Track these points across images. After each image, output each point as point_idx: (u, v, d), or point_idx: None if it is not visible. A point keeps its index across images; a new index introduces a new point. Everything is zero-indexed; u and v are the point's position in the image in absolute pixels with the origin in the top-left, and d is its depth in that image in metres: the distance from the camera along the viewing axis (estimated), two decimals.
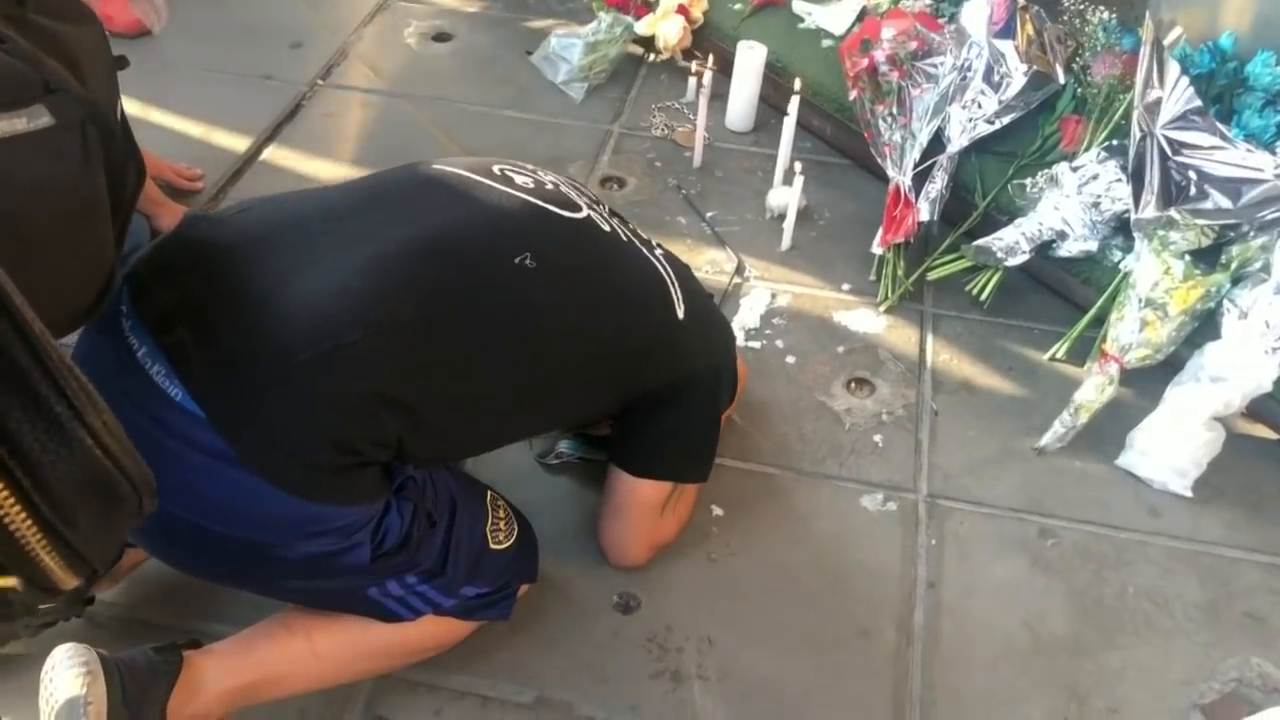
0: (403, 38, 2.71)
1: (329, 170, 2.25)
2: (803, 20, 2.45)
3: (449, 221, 1.20)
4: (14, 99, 0.76)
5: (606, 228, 1.32)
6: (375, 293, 1.10)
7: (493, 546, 1.29)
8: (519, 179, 1.30)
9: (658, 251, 1.41)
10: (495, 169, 1.30)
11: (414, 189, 1.26)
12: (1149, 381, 1.80)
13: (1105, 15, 2.02)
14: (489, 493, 1.36)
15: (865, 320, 1.99)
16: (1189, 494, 1.71)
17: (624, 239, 1.35)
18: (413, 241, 1.16)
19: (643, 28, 2.53)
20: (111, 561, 0.69)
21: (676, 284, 1.36)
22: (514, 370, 1.20)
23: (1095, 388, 1.76)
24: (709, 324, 1.45)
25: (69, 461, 0.60)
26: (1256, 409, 1.77)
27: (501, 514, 1.34)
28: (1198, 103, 1.72)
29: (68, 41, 0.85)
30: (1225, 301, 1.74)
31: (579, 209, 1.31)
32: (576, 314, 1.25)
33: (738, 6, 2.54)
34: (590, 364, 1.28)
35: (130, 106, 0.94)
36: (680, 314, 1.34)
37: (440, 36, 2.72)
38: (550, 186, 1.32)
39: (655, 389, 1.36)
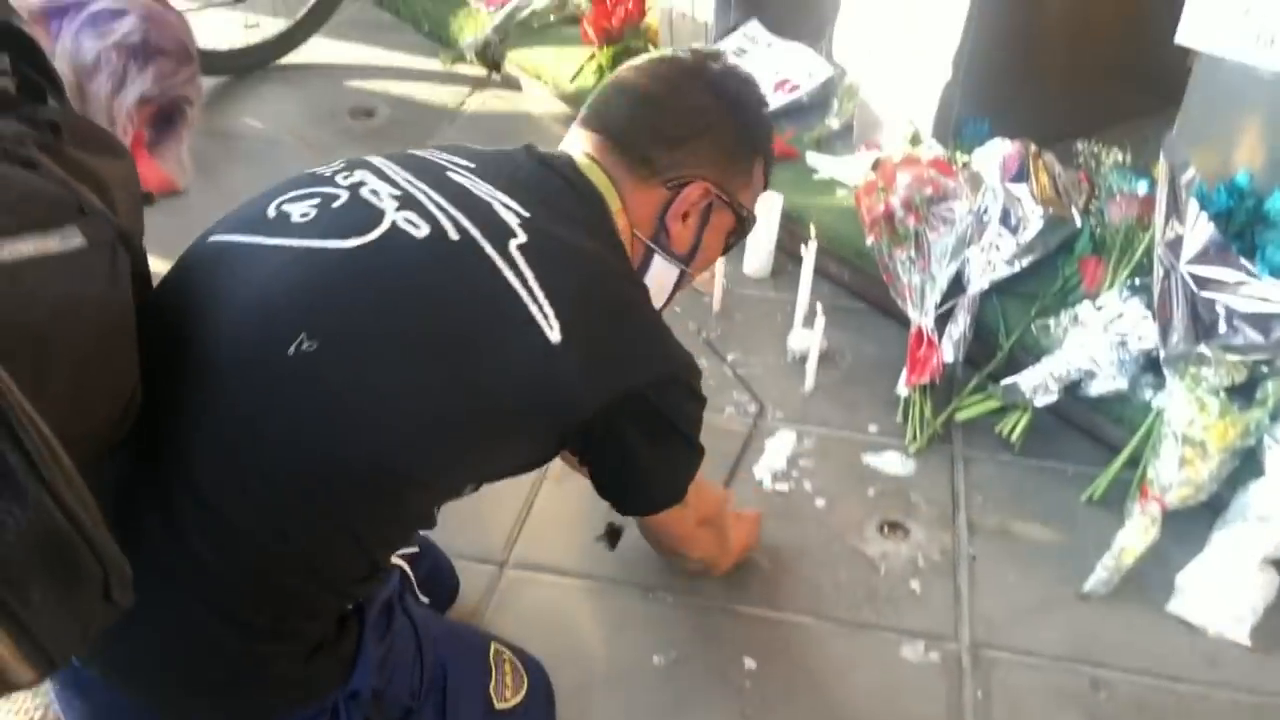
0: None
1: None
2: (816, 172, 2.50)
3: (221, 338, 0.97)
4: (47, 219, 0.75)
5: (421, 232, 1.00)
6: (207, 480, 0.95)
7: (498, 707, 1.20)
8: (300, 209, 1.04)
9: (516, 249, 1.02)
10: (270, 210, 1.05)
11: (193, 311, 1.00)
12: (1193, 522, 1.75)
13: (1118, 159, 2.06)
14: (492, 646, 1.28)
15: (895, 463, 1.95)
16: (1248, 642, 1.63)
17: (450, 244, 1.00)
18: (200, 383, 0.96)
19: None
20: (71, 654, 0.62)
21: (545, 295, 0.99)
22: (356, 473, 0.96)
23: (1138, 529, 1.70)
24: (620, 334, 1.08)
25: (19, 519, 0.54)
26: None
27: (507, 667, 1.26)
28: (1220, 239, 1.72)
29: (99, 172, 0.85)
30: (1266, 438, 1.70)
31: (374, 223, 1.00)
32: (388, 379, 0.96)
33: None
34: (438, 430, 0.98)
35: (155, 264, 0.94)
36: (555, 336, 0.98)
37: None
38: (345, 197, 1.04)
39: (571, 428, 1.05)
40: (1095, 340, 1.90)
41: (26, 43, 0.90)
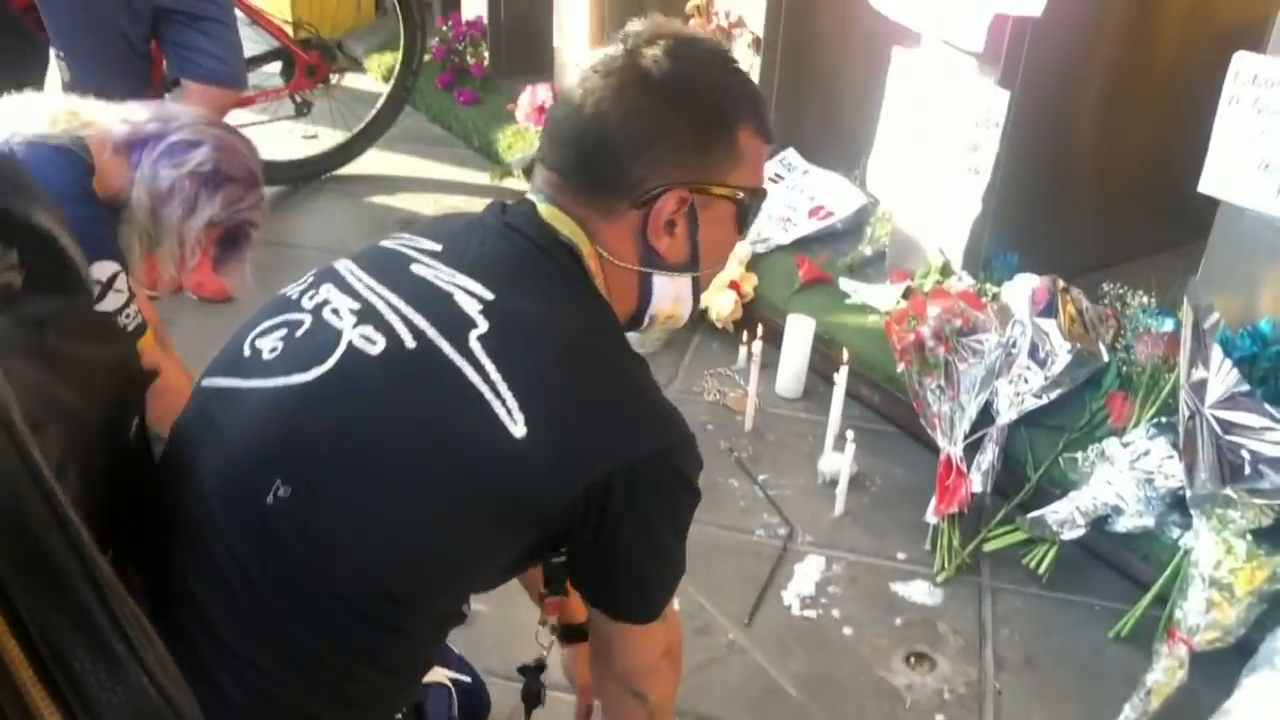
0: None
1: None
2: (848, 296, 2.57)
3: (210, 493, 0.99)
4: None
5: (376, 348, 0.98)
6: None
7: None
8: (269, 343, 1.03)
9: (477, 341, 0.97)
10: (246, 348, 1.05)
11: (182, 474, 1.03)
12: (1221, 665, 1.75)
13: (1144, 299, 2.11)
14: None
15: (922, 592, 1.97)
16: None
17: (407, 354, 0.97)
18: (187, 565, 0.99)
19: None
20: None
21: (508, 387, 0.95)
22: (356, 606, 0.97)
23: (1165, 670, 1.71)
24: (593, 413, 0.99)
25: (123, 698, 0.57)
26: None
27: None
28: (1244, 385, 1.76)
29: (90, 360, 0.90)
30: None
31: (332, 348, 0.99)
32: (365, 510, 0.96)
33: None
34: (422, 548, 0.97)
35: (196, 363, 1.03)
36: (519, 429, 0.94)
37: None
38: (308, 323, 1.03)
39: (553, 521, 0.99)
40: (1121, 477, 1.93)
41: (43, 236, 0.94)
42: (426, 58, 3.73)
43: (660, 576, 1.11)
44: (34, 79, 3.02)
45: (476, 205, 3.43)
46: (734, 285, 2.65)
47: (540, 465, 0.94)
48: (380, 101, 3.59)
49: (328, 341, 1.00)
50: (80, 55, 2.56)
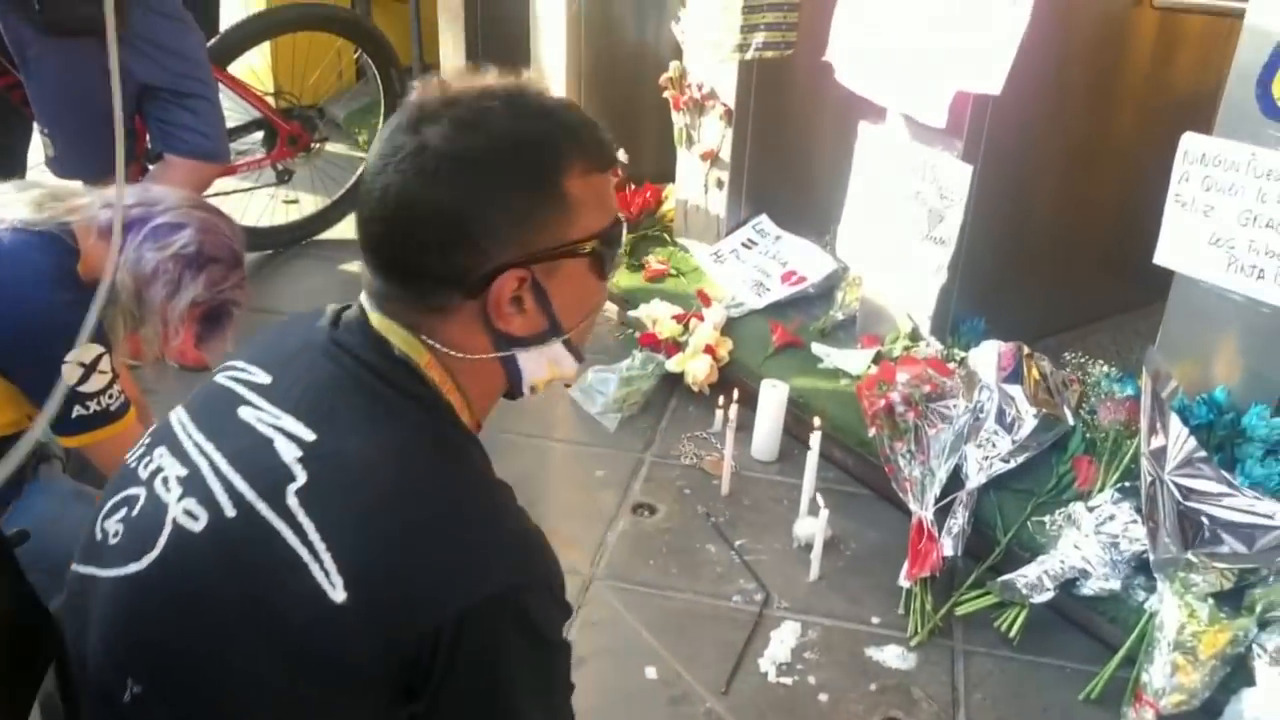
0: None
1: None
2: (821, 361, 2.63)
3: (83, 691, 0.99)
4: None
5: (199, 524, 0.93)
6: None
7: None
8: (113, 525, 1.00)
9: (295, 497, 0.91)
10: (98, 531, 1.01)
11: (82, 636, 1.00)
12: None
13: (1104, 368, 2.18)
14: None
15: (896, 656, 2.00)
16: None
17: (228, 524, 0.92)
18: None
19: (673, 365, 2.72)
20: None
21: (327, 546, 0.88)
22: None
23: None
24: (414, 566, 0.89)
25: None
26: None
27: None
28: (1202, 452, 1.82)
29: None
30: (1255, 646, 1.76)
31: (159, 530, 0.95)
32: (213, 699, 0.92)
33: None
34: None
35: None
36: (338, 594, 0.87)
37: None
38: (141, 499, 0.99)
39: (387, 686, 0.91)
40: (1088, 541, 1.97)
41: None
42: None
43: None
44: (16, 152, 3.07)
45: None
46: (710, 349, 2.71)
47: (362, 629, 0.87)
48: (361, 168, 3.64)
49: (156, 523, 0.95)
50: (65, 131, 2.61)
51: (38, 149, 2.82)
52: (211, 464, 0.96)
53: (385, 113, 3.63)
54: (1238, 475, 1.83)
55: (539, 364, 1.03)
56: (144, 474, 1.01)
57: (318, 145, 3.44)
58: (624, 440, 2.63)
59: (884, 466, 2.29)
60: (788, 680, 1.94)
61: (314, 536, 0.88)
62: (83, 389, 1.70)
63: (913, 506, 2.19)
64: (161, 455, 1.00)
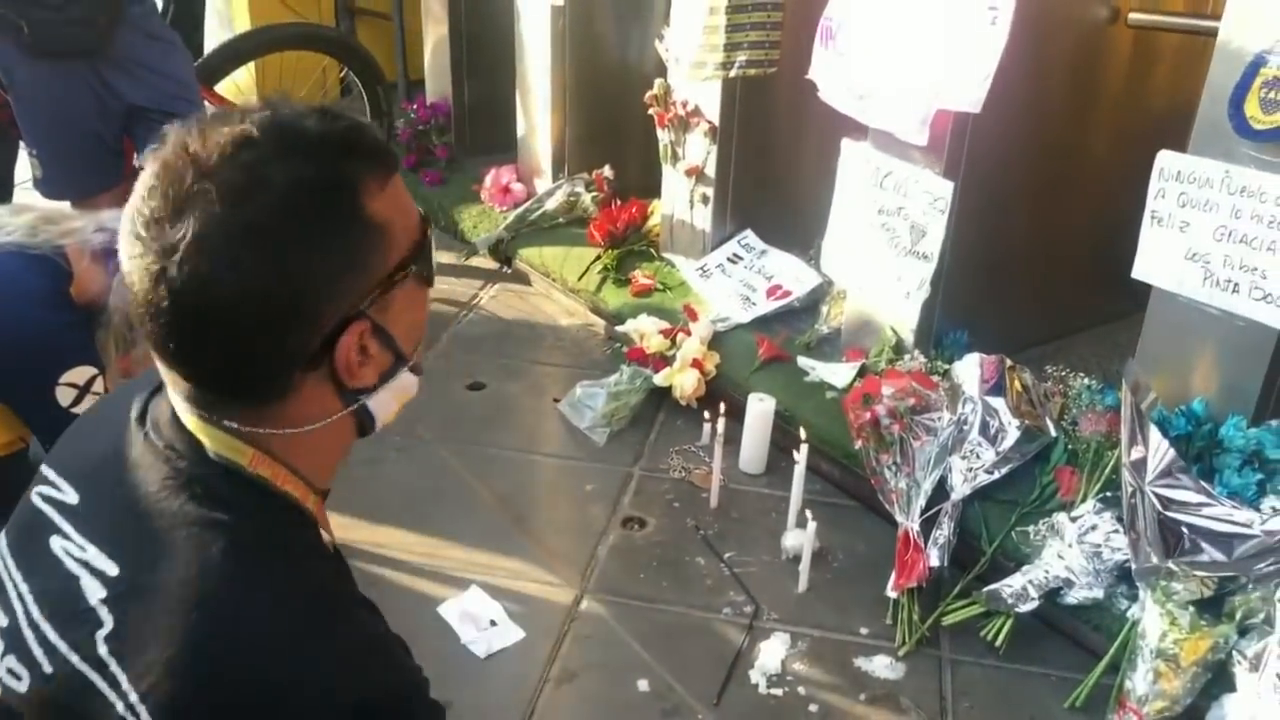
0: (440, 387, 2.92)
1: (364, 527, 2.37)
2: (807, 374, 2.66)
3: None
4: None
5: (23, 684, 0.87)
6: None
7: None
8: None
9: (104, 644, 0.83)
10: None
11: None
12: None
13: (1085, 380, 2.22)
14: None
15: (885, 666, 2.03)
16: None
17: (45, 681, 0.86)
18: None
19: (661, 379, 2.74)
20: None
21: (140, 698, 0.80)
22: None
23: None
24: (231, 706, 0.81)
25: None
26: None
27: None
28: (1181, 462, 1.86)
29: None
30: (1235, 653, 1.79)
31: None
32: None
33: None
34: None
35: None
36: (115, 570, 0.85)
37: (475, 385, 2.94)
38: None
39: None
40: (1071, 551, 2.01)
41: None
42: (392, 140, 3.82)
43: None
44: (1, 173, 3.07)
45: (444, 284, 3.49)
46: (697, 363, 2.73)
47: None
48: None
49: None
50: (53, 152, 2.62)
51: (24, 168, 2.83)
52: (26, 612, 0.89)
53: None
54: (1216, 485, 1.87)
55: (388, 402, 0.94)
56: None
57: None
58: (613, 454, 2.65)
59: (870, 479, 2.32)
60: (778, 691, 1.96)
61: (127, 687, 0.80)
62: (76, 410, 1.71)
63: (899, 518, 2.22)
64: None
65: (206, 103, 2.88)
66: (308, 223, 0.80)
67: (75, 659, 0.83)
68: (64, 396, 1.70)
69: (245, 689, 0.80)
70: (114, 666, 0.81)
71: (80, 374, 1.71)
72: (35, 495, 0.96)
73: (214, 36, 4.49)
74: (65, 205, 2.50)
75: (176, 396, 0.89)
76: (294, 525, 0.91)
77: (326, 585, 0.90)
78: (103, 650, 0.82)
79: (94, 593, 0.85)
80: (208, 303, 0.78)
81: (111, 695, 0.80)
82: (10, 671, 0.87)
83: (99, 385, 1.74)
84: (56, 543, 0.90)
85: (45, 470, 0.97)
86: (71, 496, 0.93)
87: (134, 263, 0.80)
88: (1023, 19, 2.09)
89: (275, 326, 0.81)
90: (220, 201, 0.77)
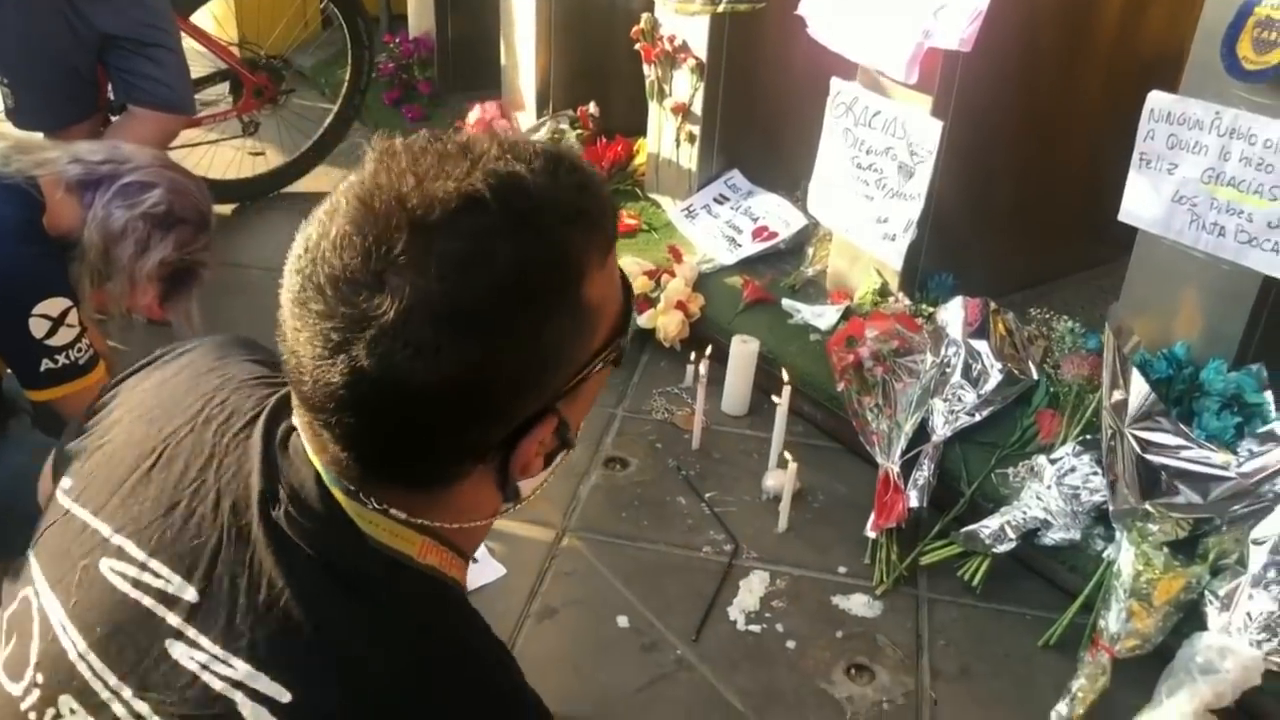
0: None
1: None
2: (791, 316, 2.65)
3: None
4: None
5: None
6: None
7: None
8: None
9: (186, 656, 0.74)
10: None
11: None
12: (1144, 670, 1.84)
13: (1069, 323, 2.22)
14: None
15: (862, 604, 2.05)
16: None
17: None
18: None
19: (645, 321, 2.73)
20: None
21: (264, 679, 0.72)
22: None
23: (1089, 677, 1.80)
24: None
25: None
26: (1249, 703, 1.80)
27: None
28: (1160, 405, 1.87)
29: None
30: (1207, 592, 1.82)
31: None
32: None
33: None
34: None
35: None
36: (287, 696, 0.72)
37: None
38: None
39: None
40: (1049, 492, 2.02)
41: None
42: (374, 74, 3.75)
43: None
44: None
45: None
46: (681, 305, 2.72)
47: None
48: (328, 119, 3.60)
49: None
50: (26, 82, 2.56)
51: None
52: None
53: (352, 63, 3.57)
54: (1194, 428, 1.88)
55: (539, 480, 0.84)
56: None
57: (284, 97, 3.39)
58: None
59: (852, 420, 2.33)
60: (756, 628, 1.98)
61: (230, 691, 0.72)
62: (50, 342, 1.69)
63: (879, 459, 2.23)
64: (68, 703, 0.76)
65: (183, 33, 2.81)
66: (525, 313, 0.69)
67: None
68: (37, 328, 1.67)
69: None
70: None
71: (54, 305, 1.68)
72: (120, 579, 0.77)
73: None
74: (39, 136, 2.45)
75: (328, 472, 0.76)
76: (471, 621, 0.81)
77: (510, 675, 0.83)
78: None
79: (257, 717, 0.72)
80: (393, 392, 0.67)
81: None
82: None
83: (73, 317, 1.72)
84: (181, 651, 0.74)
85: (114, 534, 0.79)
86: (188, 591, 0.76)
87: (308, 319, 0.68)
88: None
89: (459, 422, 0.70)
90: (435, 280, 0.65)
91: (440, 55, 3.99)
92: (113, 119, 2.74)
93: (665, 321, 2.71)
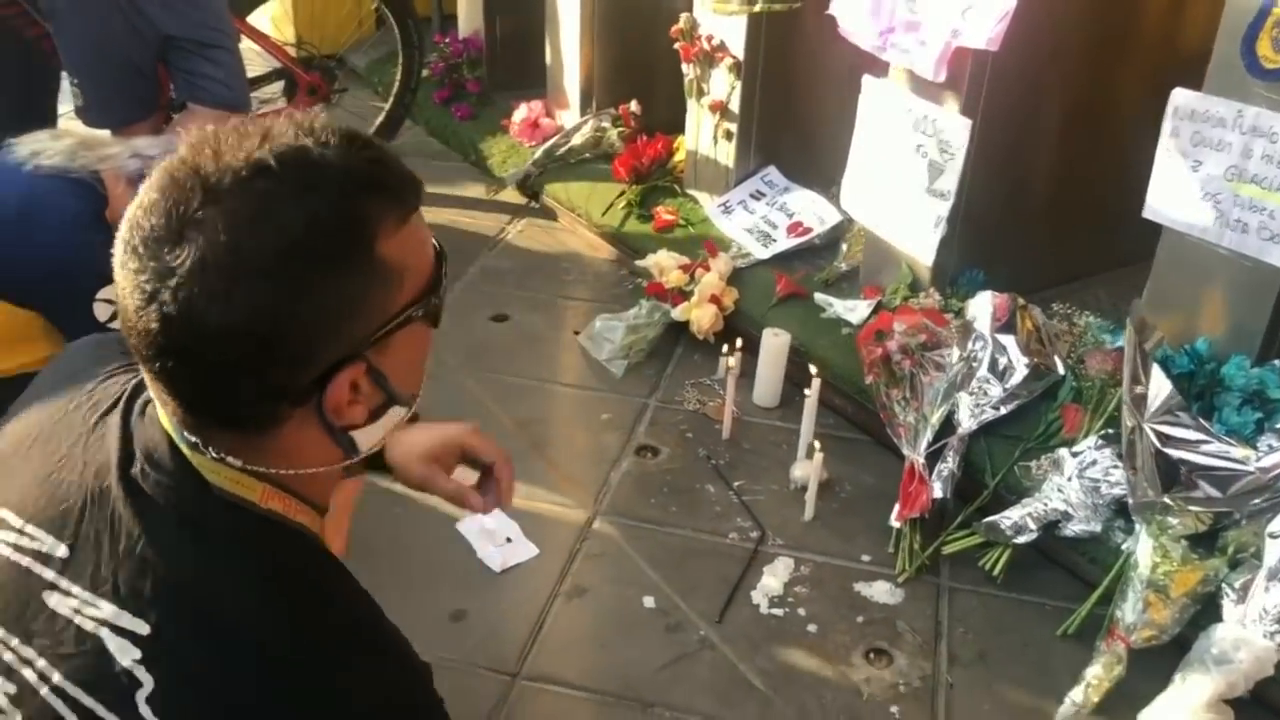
0: (465, 319, 3.00)
1: None
2: (824, 310, 2.70)
3: None
4: None
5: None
6: None
7: None
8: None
9: (147, 706, 0.81)
10: None
11: None
12: (1160, 660, 1.87)
13: (1091, 319, 2.24)
14: None
15: (884, 592, 2.10)
16: None
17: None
18: None
19: (679, 314, 2.79)
20: None
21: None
22: None
23: (1104, 666, 1.83)
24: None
25: None
26: (1262, 693, 1.82)
27: None
28: (1180, 399, 1.89)
29: None
30: (1224, 585, 1.84)
31: None
32: None
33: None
34: None
35: None
36: (146, 628, 0.81)
37: (498, 317, 3.02)
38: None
39: None
40: (1070, 485, 2.05)
41: None
42: (425, 73, 3.86)
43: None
44: (37, 103, 3.16)
45: (472, 219, 3.54)
46: (715, 299, 2.78)
47: None
48: (380, 118, 3.72)
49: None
50: (92, 80, 2.69)
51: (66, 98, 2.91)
52: (42, 677, 0.83)
53: (403, 63, 3.69)
54: (1215, 423, 1.90)
55: (374, 434, 0.90)
56: None
57: (337, 95, 3.51)
58: (630, 386, 2.72)
59: (880, 413, 2.37)
60: (779, 611, 2.04)
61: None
62: (113, 325, 1.80)
63: (906, 451, 2.27)
64: None
65: (240, 33, 2.93)
66: (313, 266, 0.76)
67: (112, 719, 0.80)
68: (101, 312, 1.78)
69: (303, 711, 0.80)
70: None
71: (114, 291, 1.79)
72: (4, 546, 0.88)
73: None
74: (104, 132, 2.58)
75: (169, 419, 0.85)
76: (314, 559, 0.89)
77: (359, 614, 0.89)
78: (145, 711, 0.79)
79: (125, 654, 0.80)
80: (196, 333, 0.75)
81: None
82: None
83: None
84: (57, 600, 0.84)
85: (9, 516, 0.89)
86: (59, 549, 0.86)
87: (128, 277, 0.77)
88: None
89: (262, 364, 0.77)
90: (224, 232, 0.74)
91: (489, 55, 4.08)
92: (174, 116, 2.87)
93: (699, 314, 2.77)
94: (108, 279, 1.83)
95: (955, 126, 2.36)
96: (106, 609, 0.82)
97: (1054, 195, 2.62)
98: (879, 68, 2.53)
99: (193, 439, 0.83)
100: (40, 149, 1.82)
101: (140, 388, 0.90)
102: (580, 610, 2.03)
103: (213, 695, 0.80)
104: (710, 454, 2.47)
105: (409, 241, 0.83)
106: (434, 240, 0.89)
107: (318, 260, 0.77)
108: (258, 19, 3.39)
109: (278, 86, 3.47)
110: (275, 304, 0.75)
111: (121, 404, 0.90)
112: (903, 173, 2.52)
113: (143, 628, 0.81)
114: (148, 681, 0.80)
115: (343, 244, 0.78)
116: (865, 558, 2.19)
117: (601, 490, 2.35)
